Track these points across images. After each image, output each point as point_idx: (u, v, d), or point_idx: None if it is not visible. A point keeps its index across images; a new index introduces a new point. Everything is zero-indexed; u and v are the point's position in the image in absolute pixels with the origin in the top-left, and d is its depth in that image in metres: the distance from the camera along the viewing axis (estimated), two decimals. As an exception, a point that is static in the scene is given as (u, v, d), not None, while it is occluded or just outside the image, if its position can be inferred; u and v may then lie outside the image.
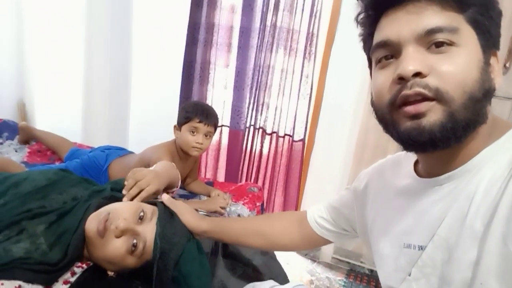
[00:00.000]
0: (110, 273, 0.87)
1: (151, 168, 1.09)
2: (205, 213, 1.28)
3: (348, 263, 2.32)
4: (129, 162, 1.61)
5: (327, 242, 0.96)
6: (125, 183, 0.95)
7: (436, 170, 0.61)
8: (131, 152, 1.79)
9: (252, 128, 2.27)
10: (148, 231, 0.85)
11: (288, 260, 2.21)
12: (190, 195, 1.71)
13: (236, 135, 2.28)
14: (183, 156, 1.57)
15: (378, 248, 0.73)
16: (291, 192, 2.28)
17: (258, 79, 2.18)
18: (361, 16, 0.63)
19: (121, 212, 0.85)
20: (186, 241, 0.90)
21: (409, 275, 0.62)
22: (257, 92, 2.20)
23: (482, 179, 0.54)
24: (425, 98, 0.52)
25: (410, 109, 0.53)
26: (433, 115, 0.52)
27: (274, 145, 2.26)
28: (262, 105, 2.23)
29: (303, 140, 2.20)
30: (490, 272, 0.49)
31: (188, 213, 0.92)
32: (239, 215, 1.61)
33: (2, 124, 2.13)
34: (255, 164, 2.31)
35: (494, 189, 0.51)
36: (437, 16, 0.53)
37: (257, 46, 2.14)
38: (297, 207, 2.30)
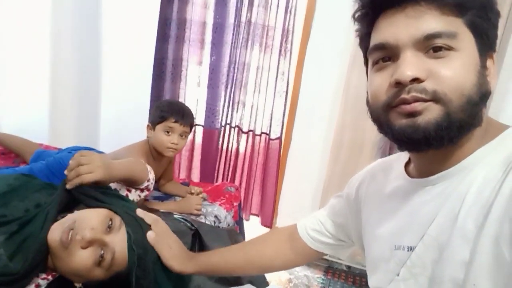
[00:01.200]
0: (77, 285, 0.81)
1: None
2: (181, 217, 1.23)
3: (326, 260, 2.32)
4: None
5: (322, 255, 0.92)
6: (69, 162, 0.89)
7: (428, 170, 0.60)
8: (101, 153, 1.70)
9: (227, 126, 2.23)
10: (117, 241, 0.80)
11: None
12: (164, 197, 1.65)
13: (211, 134, 2.22)
14: (156, 156, 1.51)
15: (370, 252, 0.72)
16: (268, 191, 2.25)
17: (233, 76, 2.13)
18: (359, 13, 0.61)
19: (88, 221, 0.78)
20: None
21: (398, 275, 0.61)
22: (233, 89, 2.15)
23: (474, 179, 0.53)
24: (422, 100, 0.52)
25: (407, 107, 0.53)
26: (429, 113, 0.52)
27: (251, 144, 2.23)
28: (238, 103, 2.19)
29: (279, 138, 2.18)
30: (483, 273, 0.49)
31: (172, 258, 0.84)
32: (216, 216, 1.57)
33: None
34: (232, 163, 2.27)
35: (487, 189, 0.51)
36: (436, 21, 0.52)
37: (231, 43, 2.09)
38: (274, 206, 2.28)
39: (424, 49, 0.53)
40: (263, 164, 2.23)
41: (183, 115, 1.45)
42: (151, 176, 1.23)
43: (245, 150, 2.25)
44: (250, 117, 2.19)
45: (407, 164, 0.69)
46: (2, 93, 2.35)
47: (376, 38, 0.58)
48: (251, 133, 2.22)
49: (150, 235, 0.84)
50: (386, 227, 0.67)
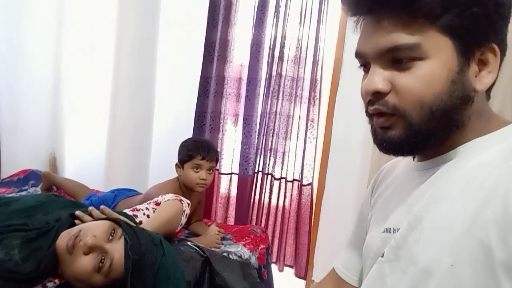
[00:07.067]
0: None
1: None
2: (194, 244, 1.27)
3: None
4: (133, 202, 1.66)
5: None
6: (91, 211, 1.02)
7: (426, 154, 0.61)
8: (140, 193, 1.84)
9: (260, 174, 2.29)
10: (116, 249, 0.87)
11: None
12: (189, 235, 1.71)
13: (244, 181, 2.28)
14: (187, 192, 1.60)
15: (365, 244, 0.70)
16: (301, 240, 2.20)
17: (265, 125, 2.24)
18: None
19: (91, 229, 0.88)
20: (161, 255, 0.92)
21: (382, 256, 0.59)
22: (264, 138, 2.25)
23: (468, 164, 0.53)
24: (385, 114, 0.55)
25: (378, 121, 0.56)
26: (396, 128, 0.55)
27: (283, 191, 2.25)
28: (270, 150, 2.26)
29: (311, 184, 2.18)
30: (464, 257, 0.47)
31: None
32: (240, 257, 1.57)
33: (30, 173, 2.32)
34: (265, 211, 2.28)
35: (483, 174, 0.50)
36: (396, 33, 0.51)
37: (263, 95, 2.24)
38: (308, 256, 2.20)
39: (389, 61, 0.53)
40: (296, 212, 2.22)
41: (208, 152, 1.55)
42: (186, 212, 1.30)
43: (278, 197, 2.26)
44: (282, 164, 2.24)
45: None
46: (70, 150, 2.68)
47: (357, 44, 0.58)
48: (283, 180, 2.25)
49: None
50: (381, 215, 0.67)
